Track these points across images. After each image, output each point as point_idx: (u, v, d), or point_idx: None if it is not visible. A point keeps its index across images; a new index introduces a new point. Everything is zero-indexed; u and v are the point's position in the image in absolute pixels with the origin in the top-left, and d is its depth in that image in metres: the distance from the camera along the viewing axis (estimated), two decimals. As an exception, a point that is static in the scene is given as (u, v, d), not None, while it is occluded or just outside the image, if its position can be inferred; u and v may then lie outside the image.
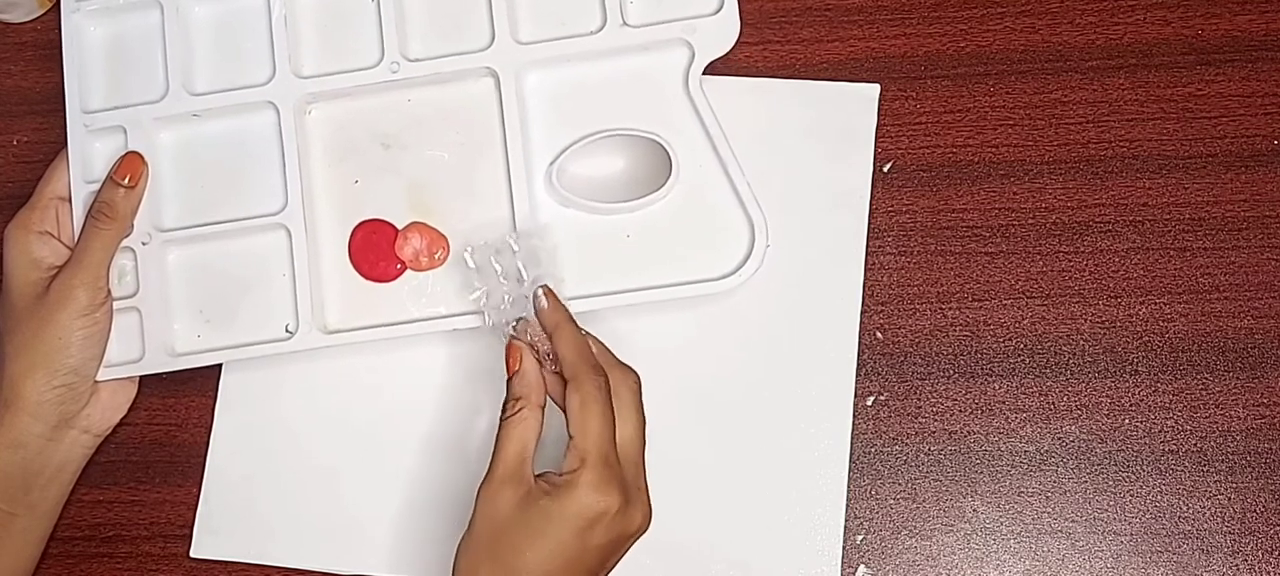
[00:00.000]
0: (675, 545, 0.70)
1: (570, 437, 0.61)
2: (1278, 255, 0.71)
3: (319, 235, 0.72)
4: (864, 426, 0.71)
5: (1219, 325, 0.70)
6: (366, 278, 0.72)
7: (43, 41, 0.78)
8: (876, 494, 0.70)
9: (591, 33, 0.72)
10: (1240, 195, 0.71)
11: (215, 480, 0.73)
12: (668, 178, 0.70)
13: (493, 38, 0.72)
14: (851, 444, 0.70)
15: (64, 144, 0.72)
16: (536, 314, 0.65)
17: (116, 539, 0.73)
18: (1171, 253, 0.71)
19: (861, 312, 0.71)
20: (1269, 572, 0.68)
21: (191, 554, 0.72)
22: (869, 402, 0.71)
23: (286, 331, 0.71)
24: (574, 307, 0.67)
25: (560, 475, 0.61)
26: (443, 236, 0.72)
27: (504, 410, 0.63)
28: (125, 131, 0.72)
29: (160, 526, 0.73)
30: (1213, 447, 0.69)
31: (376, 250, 0.72)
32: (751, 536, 0.70)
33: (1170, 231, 0.71)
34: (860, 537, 0.70)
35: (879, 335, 0.72)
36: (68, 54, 0.74)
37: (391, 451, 0.72)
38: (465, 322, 0.70)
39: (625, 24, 0.71)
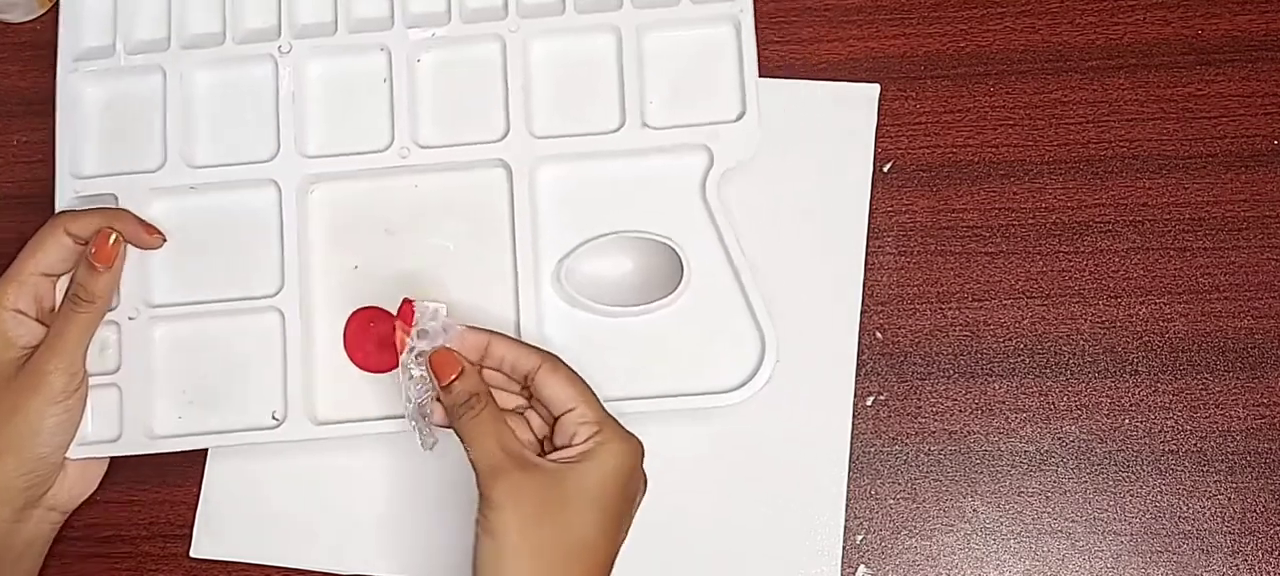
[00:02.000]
0: (675, 545, 0.70)
1: (567, 412, 0.60)
2: (1278, 255, 0.71)
3: (314, 321, 0.71)
4: (864, 426, 0.71)
5: (1219, 325, 0.70)
6: (360, 367, 0.70)
7: (41, 41, 0.78)
8: (876, 494, 0.70)
9: (610, 131, 0.70)
10: (1240, 195, 0.71)
11: (215, 480, 0.73)
12: (678, 283, 0.69)
13: (507, 129, 0.70)
14: (851, 444, 0.70)
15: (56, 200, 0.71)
16: (458, 341, 0.63)
17: (115, 539, 0.73)
18: (1171, 253, 0.71)
19: (861, 312, 0.71)
20: (1269, 572, 0.68)
21: (191, 554, 0.72)
22: (869, 402, 0.71)
23: (273, 419, 0.69)
24: None
25: (582, 442, 0.60)
26: None
27: (458, 415, 0.61)
28: (117, 200, 0.71)
29: (160, 526, 0.73)
30: (1213, 447, 0.69)
31: (372, 340, 0.70)
32: (752, 536, 0.70)
33: (1170, 231, 0.71)
34: (860, 537, 0.70)
35: (879, 335, 0.72)
36: (61, 116, 0.72)
37: (392, 451, 0.72)
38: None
39: (645, 125, 0.70)
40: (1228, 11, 0.73)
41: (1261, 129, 0.72)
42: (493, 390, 0.63)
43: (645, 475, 0.63)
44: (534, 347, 0.63)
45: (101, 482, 0.73)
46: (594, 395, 0.61)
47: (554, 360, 0.62)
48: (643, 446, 0.61)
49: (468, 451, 0.60)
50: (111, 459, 0.72)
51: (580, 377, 0.62)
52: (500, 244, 0.71)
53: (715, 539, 0.70)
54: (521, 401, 0.64)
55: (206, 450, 0.73)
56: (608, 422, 0.60)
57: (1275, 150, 0.72)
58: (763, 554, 0.69)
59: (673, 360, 0.69)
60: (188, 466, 0.73)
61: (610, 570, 0.60)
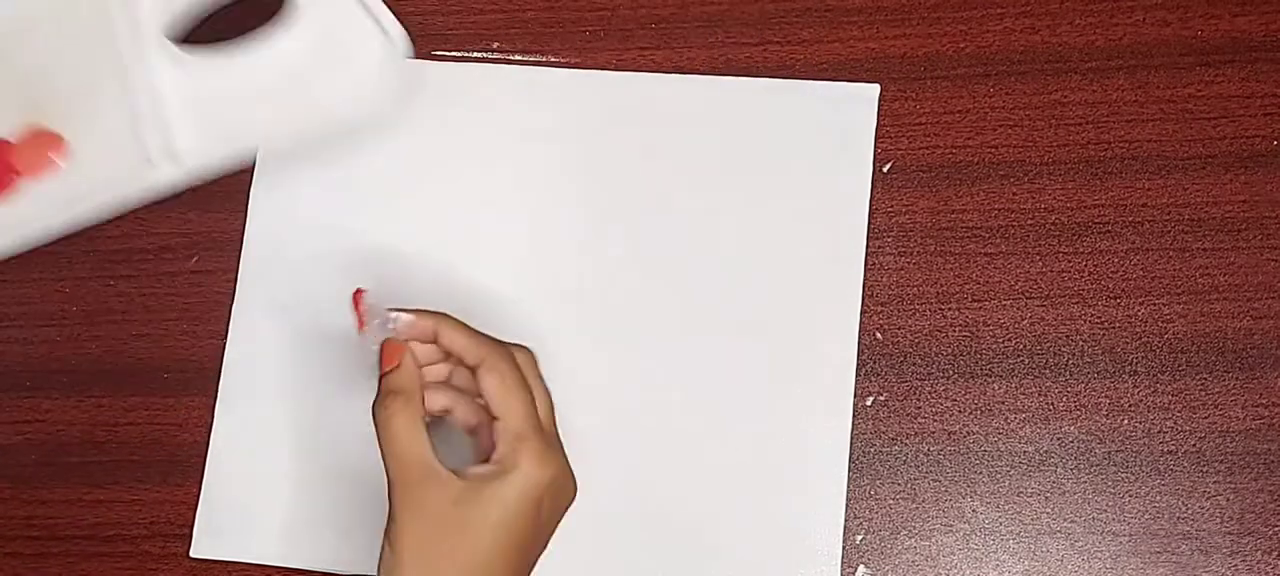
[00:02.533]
0: (674, 545, 0.70)
1: (495, 420, 0.59)
2: (1278, 255, 0.71)
3: None
4: (864, 426, 0.71)
5: (1219, 325, 0.70)
6: None
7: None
8: (876, 494, 0.70)
9: None
10: (1240, 195, 0.71)
11: (215, 480, 0.73)
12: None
13: None
14: (851, 444, 0.70)
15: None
16: (405, 330, 0.61)
17: (116, 538, 0.73)
18: (1171, 253, 0.71)
19: (861, 313, 0.72)
20: (1269, 572, 0.68)
21: (191, 554, 0.72)
22: (869, 402, 0.71)
23: None
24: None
25: (497, 459, 0.58)
26: (59, 137, 0.68)
27: (378, 407, 0.59)
28: None
29: (160, 526, 0.73)
30: (1212, 447, 0.69)
31: None
32: (751, 537, 0.70)
33: (1170, 231, 0.71)
34: (860, 537, 0.70)
35: (879, 335, 0.72)
36: None
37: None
38: (81, 218, 0.66)
39: None
40: (1228, 11, 0.73)
41: (1261, 129, 0.72)
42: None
43: (574, 481, 0.60)
44: (483, 339, 0.60)
45: (102, 482, 0.73)
46: (527, 399, 0.59)
47: (497, 356, 0.59)
48: (562, 464, 0.59)
49: (380, 448, 0.59)
50: (113, 459, 0.73)
51: (519, 378, 0.59)
52: (102, 31, 0.68)
53: (715, 538, 0.70)
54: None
55: (209, 447, 0.73)
56: (528, 439, 0.58)
57: (1275, 150, 0.72)
58: (762, 554, 0.69)
59: (306, 89, 0.67)
60: (188, 466, 0.73)
61: None
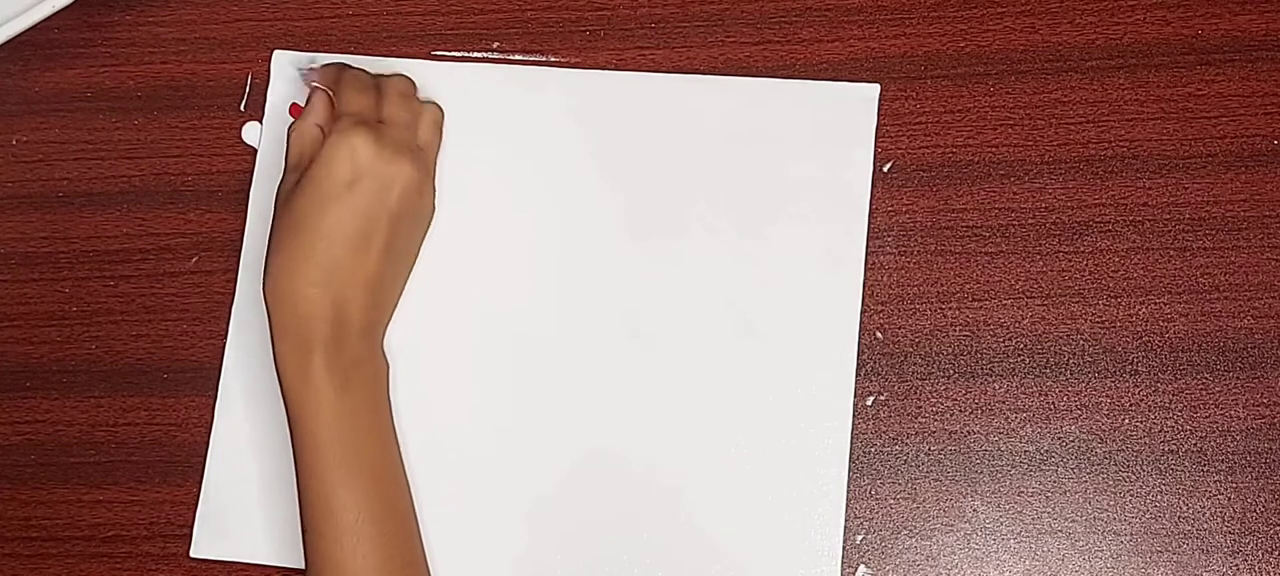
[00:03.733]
0: (674, 545, 0.70)
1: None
2: (1278, 255, 0.71)
3: None
4: (864, 426, 0.71)
5: (1219, 325, 0.70)
6: None
7: (41, 40, 0.78)
8: (876, 494, 0.70)
9: None
10: (1240, 195, 0.71)
11: (215, 480, 0.73)
12: None
13: None
14: (851, 444, 0.70)
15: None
16: (316, 81, 0.71)
17: (116, 539, 0.73)
18: (1171, 253, 0.71)
19: (861, 313, 0.71)
20: (1269, 572, 0.68)
21: (191, 554, 0.72)
22: (869, 402, 0.71)
23: None
24: None
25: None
26: None
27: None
28: None
29: (160, 526, 0.73)
30: (1213, 447, 0.69)
31: None
32: (751, 536, 0.70)
33: (1170, 231, 0.71)
34: (860, 537, 0.70)
35: (879, 335, 0.72)
36: None
37: (391, 451, 0.72)
38: None
39: None
40: (1228, 11, 0.73)
41: (1261, 129, 0.72)
42: None
43: (431, 205, 0.72)
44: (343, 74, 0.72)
45: (101, 482, 0.74)
46: (363, 92, 0.70)
47: (343, 77, 0.71)
48: (389, 155, 0.67)
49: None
50: (112, 459, 0.73)
51: (362, 81, 0.71)
52: None
53: (715, 538, 0.70)
54: None
55: (209, 447, 0.73)
56: (340, 120, 0.68)
57: (1275, 150, 0.72)
58: (763, 554, 0.69)
59: None
60: (188, 466, 0.73)
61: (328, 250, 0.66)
